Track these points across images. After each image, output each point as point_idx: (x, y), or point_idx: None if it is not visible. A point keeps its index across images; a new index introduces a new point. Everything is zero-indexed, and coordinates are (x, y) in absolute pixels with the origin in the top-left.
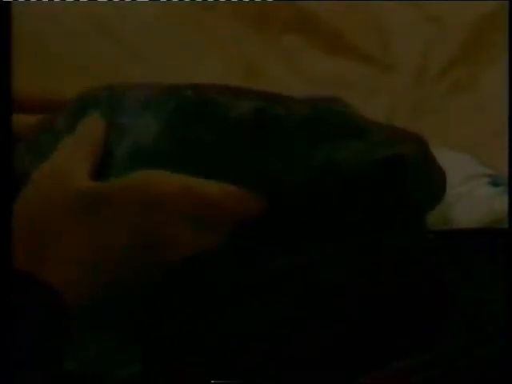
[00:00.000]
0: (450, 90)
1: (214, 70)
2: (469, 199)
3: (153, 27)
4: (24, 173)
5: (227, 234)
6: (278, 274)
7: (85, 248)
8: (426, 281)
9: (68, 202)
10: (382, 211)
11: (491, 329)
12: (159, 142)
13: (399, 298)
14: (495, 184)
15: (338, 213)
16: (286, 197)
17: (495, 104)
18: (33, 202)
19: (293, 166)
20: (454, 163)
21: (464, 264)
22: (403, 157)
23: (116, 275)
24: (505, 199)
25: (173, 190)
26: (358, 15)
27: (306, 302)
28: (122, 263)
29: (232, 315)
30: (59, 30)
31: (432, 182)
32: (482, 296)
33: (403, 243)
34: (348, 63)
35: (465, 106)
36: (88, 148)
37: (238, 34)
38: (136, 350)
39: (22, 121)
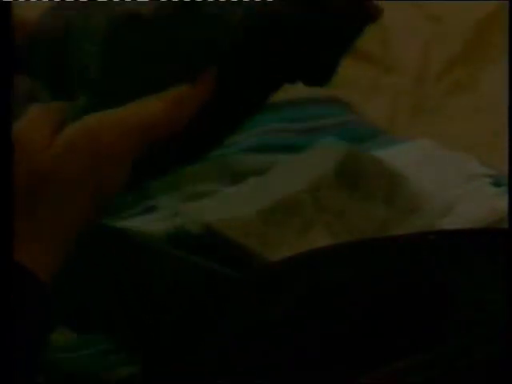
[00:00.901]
0: (451, 90)
1: None
2: (471, 199)
3: None
4: None
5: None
6: (278, 273)
7: (46, 222)
8: (426, 281)
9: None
10: None
11: (491, 329)
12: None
13: (399, 298)
14: (497, 184)
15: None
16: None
17: (495, 104)
18: None
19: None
20: (456, 163)
21: (464, 264)
22: None
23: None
24: (506, 199)
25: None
26: None
27: (305, 302)
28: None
29: (232, 314)
30: None
31: None
32: (482, 296)
33: None
34: (348, 62)
35: (465, 106)
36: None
37: None
38: (135, 351)
39: None
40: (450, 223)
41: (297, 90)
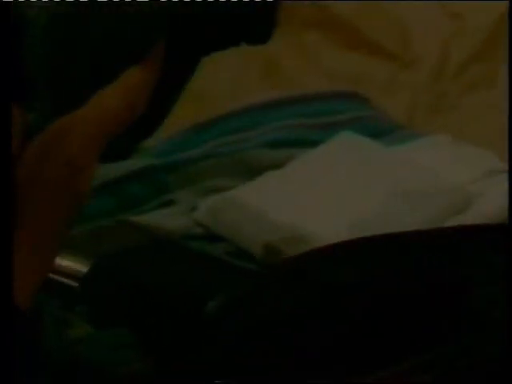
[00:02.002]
0: (469, 87)
1: (233, 66)
2: (489, 194)
3: None
4: None
5: None
6: (288, 270)
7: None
8: (436, 279)
9: None
10: None
11: (491, 328)
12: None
13: (403, 299)
14: None
15: None
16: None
17: None
18: None
19: None
20: (475, 159)
21: (474, 261)
22: None
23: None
24: None
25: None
26: (378, 11)
27: (310, 302)
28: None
29: (236, 314)
30: None
31: None
32: (494, 293)
33: None
34: (368, 59)
35: (483, 103)
36: None
37: None
38: (140, 347)
39: None
40: (468, 218)
41: (315, 85)
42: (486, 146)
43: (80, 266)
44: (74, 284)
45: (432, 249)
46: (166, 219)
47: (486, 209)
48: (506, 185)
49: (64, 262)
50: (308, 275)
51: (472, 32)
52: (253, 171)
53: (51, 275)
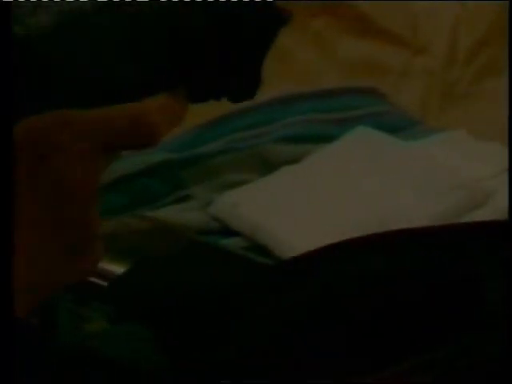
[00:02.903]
0: (479, 74)
1: None
2: (505, 189)
3: None
4: None
5: None
6: (304, 264)
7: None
8: (440, 278)
9: None
10: None
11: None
12: None
13: (406, 298)
14: None
15: None
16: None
17: None
18: None
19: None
20: (492, 154)
21: (476, 260)
22: None
23: None
24: None
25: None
26: None
27: (312, 302)
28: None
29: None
30: None
31: None
32: (493, 292)
33: None
34: (380, 47)
35: (493, 90)
36: None
37: None
38: (157, 343)
39: None
40: (484, 214)
41: (328, 75)
42: (500, 133)
43: (106, 265)
44: (102, 283)
45: (444, 245)
46: (182, 214)
47: (503, 205)
48: None
49: None
50: (317, 272)
51: (479, 17)
52: (269, 166)
53: None
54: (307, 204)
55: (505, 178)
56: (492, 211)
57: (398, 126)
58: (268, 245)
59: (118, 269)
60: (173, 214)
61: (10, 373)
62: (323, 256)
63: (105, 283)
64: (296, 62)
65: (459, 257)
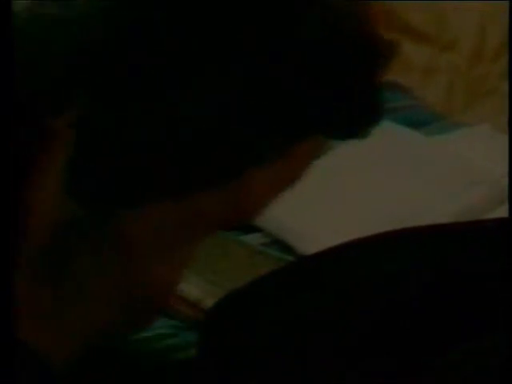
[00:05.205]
0: (506, 71)
1: None
2: None
3: None
4: None
5: None
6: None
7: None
8: (476, 270)
9: None
10: None
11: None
12: None
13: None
14: None
15: None
16: None
17: None
18: None
19: None
20: None
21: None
22: None
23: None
24: None
25: None
26: None
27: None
28: None
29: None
30: None
31: None
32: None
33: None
34: (404, 43)
35: None
36: None
37: None
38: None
39: None
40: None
41: None
42: None
43: None
44: None
45: (470, 241)
46: None
47: None
48: None
49: None
50: (348, 266)
51: (506, 14)
52: None
53: None
54: (329, 199)
55: None
56: None
57: (422, 120)
58: (289, 240)
59: None
60: None
61: None
62: (342, 254)
63: None
64: None
65: (484, 254)
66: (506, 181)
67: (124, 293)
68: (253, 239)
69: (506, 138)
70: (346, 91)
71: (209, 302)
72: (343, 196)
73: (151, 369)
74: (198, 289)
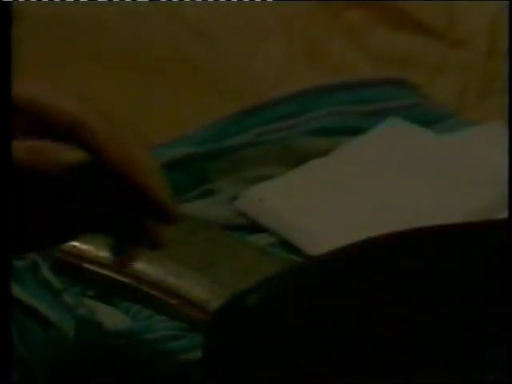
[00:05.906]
0: None
1: (277, 47)
2: None
3: (216, 6)
4: None
5: None
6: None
7: None
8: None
9: None
10: None
11: None
12: None
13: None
14: None
15: None
16: None
17: None
18: None
19: None
20: None
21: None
22: None
23: None
24: None
25: None
26: None
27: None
28: None
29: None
30: None
31: None
32: None
33: None
34: (415, 40)
35: None
36: None
37: (302, 10)
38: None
39: None
40: None
41: (362, 68)
42: None
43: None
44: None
45: (483, 241)
46: (207, 209)
47: None
48: None
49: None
50: (363, 266)
51: None
52: (297, 159)
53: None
54: (337, 198)
55: None
56: None
57: (432, 118)
58: (296, 241)
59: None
60: (197, 208)
61: None
62: (354, 254)
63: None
64: (328, 54)
65: (497, 253)
66: None
67: None
68: (260, 240)
69: None
70: None
71: (215, 304)
72: (352, 196)
73: (157, 371)
74: (204, 290)
